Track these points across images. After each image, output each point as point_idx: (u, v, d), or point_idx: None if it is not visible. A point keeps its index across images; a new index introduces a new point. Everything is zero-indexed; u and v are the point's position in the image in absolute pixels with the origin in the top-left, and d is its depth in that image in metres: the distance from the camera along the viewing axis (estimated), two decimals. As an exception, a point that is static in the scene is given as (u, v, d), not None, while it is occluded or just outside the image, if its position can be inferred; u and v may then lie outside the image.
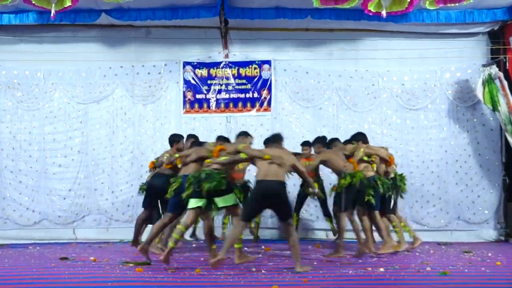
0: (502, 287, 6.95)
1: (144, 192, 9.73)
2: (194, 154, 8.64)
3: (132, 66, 12.12)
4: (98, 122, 12.07)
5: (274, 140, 8.56)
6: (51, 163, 11.92)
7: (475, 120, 12.15)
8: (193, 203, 8.19)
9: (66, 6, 9.68)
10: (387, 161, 9.80)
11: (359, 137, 9.96)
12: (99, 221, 11.95)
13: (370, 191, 9.24)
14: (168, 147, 9.93)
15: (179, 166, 8.96)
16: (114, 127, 12.06)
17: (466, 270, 7.86)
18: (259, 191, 7.98)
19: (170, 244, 8.19)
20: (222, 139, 9.21)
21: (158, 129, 12.09)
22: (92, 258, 9.02)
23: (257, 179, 8.02)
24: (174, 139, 9.78)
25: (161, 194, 8.89)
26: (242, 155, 8.30)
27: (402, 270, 7.83)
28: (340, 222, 9.38)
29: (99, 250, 10.37)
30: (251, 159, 8.28)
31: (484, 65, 11.78)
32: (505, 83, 11.55)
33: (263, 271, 7.73)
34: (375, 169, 9.60)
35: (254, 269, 7.77)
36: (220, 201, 8.18)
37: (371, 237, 9.56)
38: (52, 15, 9.71)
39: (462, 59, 12.09)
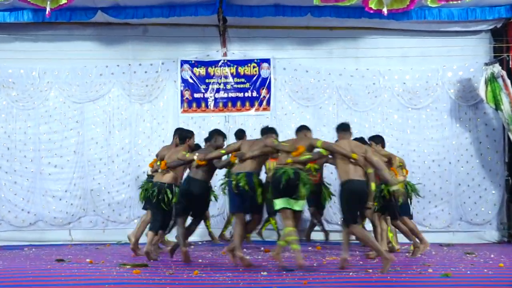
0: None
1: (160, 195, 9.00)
2: (257, 150, 8.35)
3: (129, 64, 12.04)
4: (94, 122, 11.99)
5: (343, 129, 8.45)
6: (47, 163, 11.82)
7: (477, 119, 12.07)
8: (281, 203, 7.98)
9: (61, 4, 9.70)
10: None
11: (378, 140, 9.77)
12: (96, 223, 11.85)
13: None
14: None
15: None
16: (111, 126, 11.97)
17: (468, 272, 7.78)
18: (351, 191, 7.82)
19: (294, 246, 7.89)
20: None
21: (155, 129, 12.01)
22: (88, 260, 8.93)
23: (346, 178, 7.84)
24: (187, 135, 9.33)
25: (198, 200, 8.69)
26: (322, 151, 8.11)
27: (403, 272, 7.74)
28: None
29: (95, 252, 10.29)
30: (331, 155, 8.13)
31: (486, 64, 11.70)
32: (508, 81, 11.47)
33: (262, 272, 7.62)
34: None
35: (265, 273, 7.62)
36: (297, 205, 8.02)
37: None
38: (47, 13, 9.71)
39: (465, 57, 12.01)
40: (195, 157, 8.62)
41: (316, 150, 8.19)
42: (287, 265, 7.95)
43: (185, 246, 8.63)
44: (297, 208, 8.01)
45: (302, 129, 8.86)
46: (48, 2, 9.52)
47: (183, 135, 9.33)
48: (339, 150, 7.97)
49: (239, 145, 8.64)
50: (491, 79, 11.46)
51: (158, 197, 8.79)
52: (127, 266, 8.21)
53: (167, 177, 8.93)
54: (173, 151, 9.18)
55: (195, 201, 8.62)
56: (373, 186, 7.95)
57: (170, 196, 8.77)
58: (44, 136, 11.85)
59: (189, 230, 8.86)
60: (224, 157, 8.70)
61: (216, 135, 9.09)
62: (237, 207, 8.37)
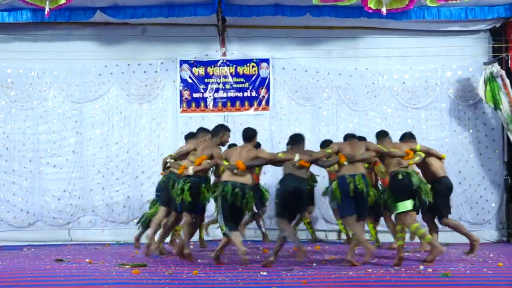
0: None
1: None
2: (366, 154, 8.54)
3: (128, 64, 12.01)
4: (93, 122, 11.96)
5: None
6: (45, 163, 11.80)
7: (476, 119, 12.08)
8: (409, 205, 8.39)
9: (60, 3, 9.67)
10: None
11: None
12: (95, 222, 11.83)
13: None
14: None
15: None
16: (110, 126, 11.95)
17: (467, 272, 7.76)
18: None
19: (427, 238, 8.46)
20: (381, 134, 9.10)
21: (155, 129, 11.98)
22: (87, 260, 8.89)
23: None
24: (254, 134, 8.85)
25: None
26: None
27: (403, 271, 7.71)
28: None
29: (94, 251, 10.26)
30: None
31: (485, 63, 11.69)
32: (507, 81, 11.47)
33: (262, 272, 7.60)
34: None
35: (265, 273, 7.61)
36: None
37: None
38: (46, 13, 9.68)
39: (464, 57, 12.02)
40: (296, 158, 8.44)
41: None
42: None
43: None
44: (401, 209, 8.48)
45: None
46: (47, 2, 9.49)
47: (249, 134, 8.82)
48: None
49: (338, 146, 8.66)
50: (490, 79, 11.46)
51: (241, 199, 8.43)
52: (127, 266, 8.18)
53: (247, 179, 8.54)
54: (246, 149, 8.68)
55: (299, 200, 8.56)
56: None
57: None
58: (43, 136, 11.82)
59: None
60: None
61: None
62: (352, 211, 8.40)
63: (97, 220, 11.82)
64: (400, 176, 8.40)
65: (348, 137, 9.02)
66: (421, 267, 7.92)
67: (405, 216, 8.41)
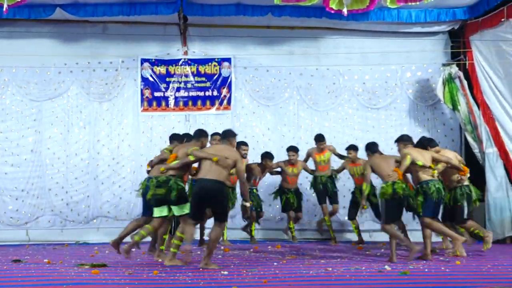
0: (460, 286, 6.92)
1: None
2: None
3: (88, 62, 11.91)
4: (52, 120, 11.83)
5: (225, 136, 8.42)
6: (3, 162, 11.66)
7: (435, 119, 12.26)
8: None
9: (19, 0, 9.43)
10: None
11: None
12: (54, 222, 11.69)
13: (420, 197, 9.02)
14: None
15: None
16: (69, 125, 11.85)
17: (426, 270, 7.84)
18: None
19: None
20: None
21: (115, 128, 11.91)
22: (46, 260, 8.76)
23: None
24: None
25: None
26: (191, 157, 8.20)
27: (363, 270, 7.78)
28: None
29: (53, 252, 10.13)
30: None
31: (444, 65, 11.88)
32: (465, 82, 11.67)
33: (222, 272, 7.59)
34: None
35: (226, 272, 7.60)
36: None
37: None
38: (4, 9, 9.48)
39: (423, 58, 12.23)
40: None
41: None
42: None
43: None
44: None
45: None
46: (5, -1, 9.33)
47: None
48: (200, 155, 8.06)
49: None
50: (449, 80, 11.64)
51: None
52: (86, 266, 8.09)
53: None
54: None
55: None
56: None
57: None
58: (1, 135, 11.67)
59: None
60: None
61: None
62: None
63: (56, 220, 11.68)
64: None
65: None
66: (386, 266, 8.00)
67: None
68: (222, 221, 8.05)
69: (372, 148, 9.49)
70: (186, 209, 8.16)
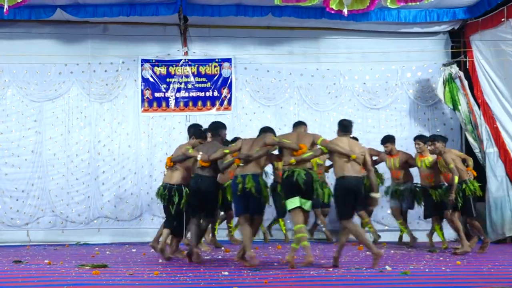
0: (461, 286, 6.94)
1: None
2: (261, 150, 8.21)
3: (89, 63, 11.89)
4: (53, 121, 11.81)
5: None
6: (3, 163, 11.63)
7: (435, 119, 12.26)
8: (295, 202, 8.09)
9: (19, 1, 9.42)
10: None
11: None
12: (54, 223, 11.68)
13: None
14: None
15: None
16: (70, 126, 11.82)
17: (426, 270, 7.86)
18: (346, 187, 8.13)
19: (304, 243, 7.95)
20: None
21: (116, 129, 11.89)
22: (47, 261, 8.79)
23: (342, 174, 8.13)
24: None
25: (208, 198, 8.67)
26: (323, 149, 8.20)
27: (364, 270, 7.80)
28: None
29: (54, 252, 10.15)
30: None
31: (444, 65, 11.89)
32: (465, 82, 11.67)
33: (223, 272, 7.60)
34: None
35: (226, 273, 7.61)
36: (307, 205, 8.13)
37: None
38: (5, 10, 9.43)
39: (423, 58, 12.25)
40: (198, 157, 8.51)
41: (318, 146, 8.26)
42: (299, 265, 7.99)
43: (197, 246, 8.74)
44: (306, 208, 8.08)
45: (301, 125, 8.71)
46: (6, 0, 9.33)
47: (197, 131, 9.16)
48: (338, 150, 8.08)
49: (240, 145, 8.46)
50: (449, 80, 11.66)
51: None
52: (86, 267, 8.11)
53: (175, 178, 8.80)
54: (178, 147, 9.10)
55: (205, 199, 8.58)
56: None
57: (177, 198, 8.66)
58: (1, 135, 11.64)
59: (201, 230, 8.89)
60: (229, 158, 8.48)
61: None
62: (243, 210, 8.29)
63: (56, 221, 11.66)
64: (288, 174, 8.10)
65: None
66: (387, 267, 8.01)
67: (293, 213, 8.27)
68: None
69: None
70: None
